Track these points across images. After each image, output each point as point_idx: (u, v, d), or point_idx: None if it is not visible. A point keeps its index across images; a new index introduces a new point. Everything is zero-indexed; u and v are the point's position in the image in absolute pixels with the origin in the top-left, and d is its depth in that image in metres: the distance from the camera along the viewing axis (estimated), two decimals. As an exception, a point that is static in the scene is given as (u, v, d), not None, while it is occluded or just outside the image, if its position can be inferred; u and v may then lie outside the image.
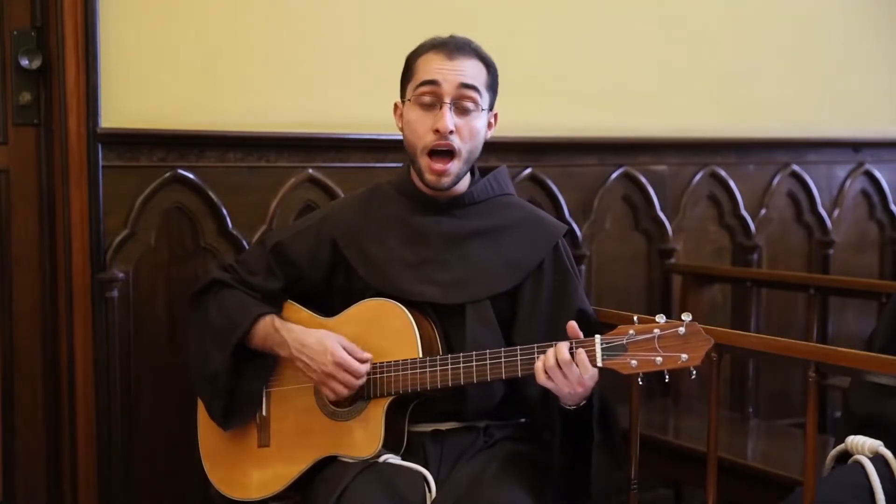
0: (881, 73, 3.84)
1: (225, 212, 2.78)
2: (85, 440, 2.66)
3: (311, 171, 2.88)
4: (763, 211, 3.61)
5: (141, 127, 2.69)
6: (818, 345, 2.38)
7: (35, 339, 2.69)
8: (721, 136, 3.52)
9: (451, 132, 2.18)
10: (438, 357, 2.13)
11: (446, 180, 2.22)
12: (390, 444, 2.17)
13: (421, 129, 2.21)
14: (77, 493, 2.67)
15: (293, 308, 2.34)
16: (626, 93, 3.35)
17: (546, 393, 2.09)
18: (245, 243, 2.78)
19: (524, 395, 2.21)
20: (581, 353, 1.99)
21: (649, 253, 3.42)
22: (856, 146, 3.78)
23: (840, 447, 2.16)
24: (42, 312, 2.69)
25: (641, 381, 2.05)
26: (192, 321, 2.41)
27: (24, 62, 2.62)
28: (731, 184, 3.53)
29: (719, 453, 2.30)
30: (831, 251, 3.73)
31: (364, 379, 2.18)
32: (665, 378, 2.00)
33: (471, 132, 2.22)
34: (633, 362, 1.97)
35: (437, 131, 2.19)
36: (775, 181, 3.63)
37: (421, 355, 2.15)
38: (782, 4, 3.63)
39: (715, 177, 3.51)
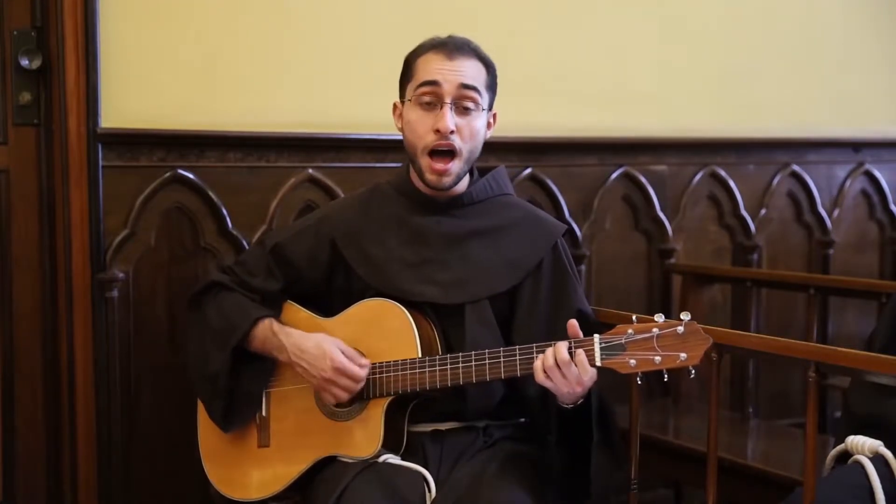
0: (881, 73, 3.84)
1: (225, 212, 2.78)
2: (85, 440, 2.66)
3: (311, 171, 2.88)
4: (763, 211, 3.61)
5: (141, 127, 2.69)
6: (818, 345, 2.38)
7: (35, 339, 2.69)
8: (721, 136, 3.52)
9: (452, 132, 2.19)
10: (438, 357, 2.13)
11: (447, 180, 2.22)
12: (390, 444, 2.17)
13: (421, 129, 2.21)
14: (77, 493, 2.67)
15: (292, 308, 2.34)
16: (626, 93, 3.35)
17: (545, 392, 2.09)
18: (245, 243, 2.78)
19: (523, 394, 2.21)
20: (580, 354, 1.99)
21: (649, 253, 3.42)
22: (856, 146, 3.78)
23: (840, 447, 2.16)
24: (42, 312, 2.69)
25: (640, 380, 2.05)
26: (192, 322, 2.41)
27: (24, 62, 2.62)
28: (731, 184, 3.53)
29: (719, 453, 2.30)
30: (831, 251, 3.73)
31: (363, 383, 2.18)
32: (664, 377, 2.00)
33: (471, 132, 2.22)
34: (632, 362, 1.97)
35: (437, 131, 2.19)
36: (775, 181, 3.63)
37: (420, 355, 2.15)
38: (782, 4, 3.63)
39: (715, 177, 3.51)
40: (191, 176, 2.75)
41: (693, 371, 1.98)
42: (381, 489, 2.06)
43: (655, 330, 1.96)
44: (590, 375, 2.01)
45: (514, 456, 2.18)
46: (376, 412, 2.18)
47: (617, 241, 3.36)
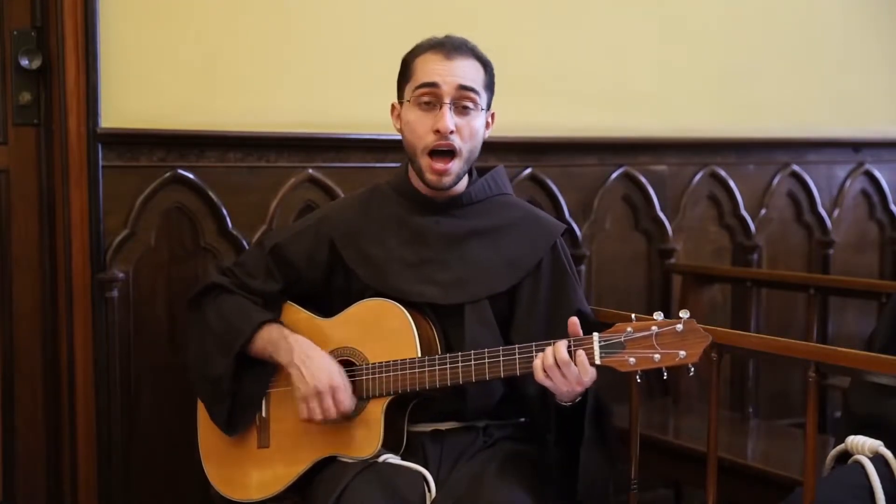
0: (881, 73, 3.84)
1: (225, 212, 2.78)
2: (85, 440, 2.66)
3: (311, 171, 2.88)
4: (763, 211, 3.61)
5: (141, 127, 2.69)
6: (818, 345, 2.38)
7: (35, 339, 2.69)
8: (721, 136, 3.52)
9: (452, 132, 2.19)
10: (437, 356, 2.13)
11: (447, 180, 2.22)
12: (390, 444, 2.17)
13: (421, 129, 2.21)
14: (77, 493, 2.67)
15: (292, 309, 2.34)
16: (626, 93, 3.35)
17: (544, 391, 2.09)
18: (245, 243, 2.78)
19: (523, 393, 2.21)
20: (581, 355, 1.99)
21: (649, 253, 3.42)
22: (856, 146, 3.78)
23: (840, 447, 2.16)
24: (42, 312, 2.69)
25: (640, 378, 2.05)
26: (192, 324, 2.40)
27: (24, 62, 2.62)
28: (731, 184, 3.53)
29: (719, 453, 2.30)
30: (831, 251, 3.73)
31: (340, 414, 2.17)
32: (663, 375, 2.00)
33: (471, 132, 2.22)
34: (632, 360, 1.97)
35: (437, 131, 2.19)
36: (775, 181, 3.63)
37: (420, 355, 2.15)
38: (782, 4, 3.63)
39: (715, 177, 3.51)
40: (191, 176, 2.75)
41: (692, 369, 1.98)
42: (380, 489, 2.06)
43: (654, 328, 1.97)
44: (590, 375, 2.01)
45: (513, 456, 2.18)
46: (376, 412, 2.18)
47: (617, 241, 3.36)
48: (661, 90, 3.42)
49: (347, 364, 2.23)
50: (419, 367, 2.13)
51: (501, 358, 2.08)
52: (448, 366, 2.11)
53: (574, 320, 2.05)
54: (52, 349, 2.69)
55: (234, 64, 2.80)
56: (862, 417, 2.21)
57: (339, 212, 2.39)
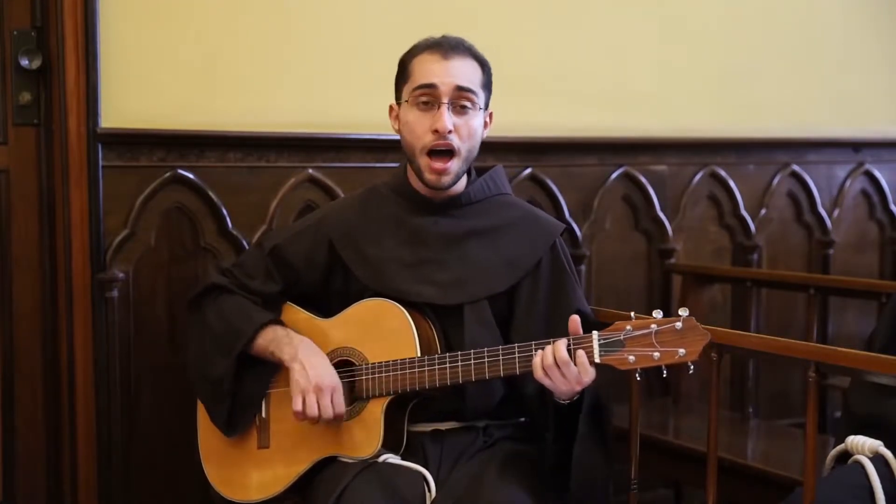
0: (881, 73, 3.84)
1: (225, 212, 2.78)
2: (85, 440, 2.66)
3: (311, 171, 2.88)
4: (763, 211, 3.61)
5: (141, 127, 2.69)
6: (818, 345, 2.38)
7: (35, 339, 2.69)
8: (721, 136, 3.52)
9: (450, 132, 2.19)
10: (437, 356, 2.13)
11: (446, 179, 2.22)
12: (390, 444, 2.17)
13: (420, 129, 2.21)
14: (77, 493, 2.67)
15: (291, 309, 2.34)
16: (626, 93, 3.35)
17: (543, 390, 2.09)
18: (245, 243, 2.78)
19: (522, 393, 2.21)
20: (581, 356, 1.99)
21: (649, 253, 3.42)
22: (856, 146, 3.78)
23: (840, 447, 2.16)
24: (42, 312, 2.69)
25: (639, 376, 2.05)
26: (192, 324, 2.40)
27: (24, 62, 2.62)
28: (731, 184, 3.53)
29: (719, 453, 2.30)
30: (831, 251, 3.73)
31: (333, 418, 2.17)
32: (663, 374, 2.00)
33: (469, 131, 2.22)
34: (631, 358, 1.97)
35: (436, 131, 2.19)
36: (775, 181, 3.63)
37: (419, 355, 2.15)
38: (782, 4, 3.63)
39: (715, 177, 3.51)
40: (191, 176, 2.75)
41: (692, 367, 1.98)
42: (380, 489, 2.06)
43: (654, 326, 1.97)
44: (590, 376, 2.01)
45: (513, 456, 2.18)
46: (376, 412, 2.18)
47: (617, 241, 3.36)
48: (661, 90, 3.42)
49: (347, 364, 2.23)
50: (419, 367, 2.13)
51: (501, 357, 2.08)
52: (448, 365, 2.11)
53: (575, 318, 2.05)
54: (52, 349, 2.69)
55: (234, 64, 2.80)
56: (862, 417, 2.21)
57: (338, 212, 2.39)
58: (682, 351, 1.95)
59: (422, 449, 2.20)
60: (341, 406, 2.18)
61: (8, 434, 2.69)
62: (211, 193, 2.77)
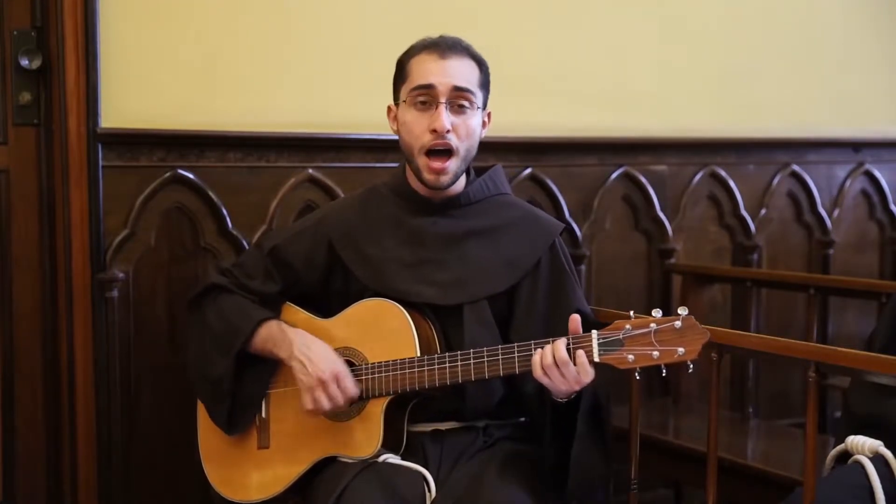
0: (881, 73, 3.85)
1: (225, 212, 2.78)
2: (85, 440, 2.66)
3: (311, 171, 2.88)
4: (763, 211, 3.61)
5: (141, 127, 2.69)
6: (818, 345, 2.38)
7: (35, 339, 2.69)
8: (721, 136, 3.52)
9: (448, 131, 2.19)
10: (436, 356, 2.13)
11: (445, 179, 2.22)
12: (390, 444, 2.17)
13: (418, 129, 2.21)
14: (77, 493, 2.67)
15: (291, 310, 2.34)
16: (626, 93, 3.35)
17: (542, 389, 2.09)
18: (245, 243, 2.78)
19: (522, 392, 2.21)
20: (581, 355, 1.99)
21: (649, 253, 3.42)
22: (856, 146, 3.78)
23: (840, 447, 2.16)
24: (42, 312, 2.69)
25: (639, 375, 2.05)
26: (192, 325, 2.40)
27: (24, 62, 2.62)
28: (731, 184, 3.53)
29: (719, 453, 2.30)
30: (831, 251, 3.73)
31: (348, 402, 2.17)
32: (662, 372, 2.00)
33: (467, 130, 2.22)
34: (630, 357, 1.97)
35: (434, 131, 2.19)
36: (775, 181, 3.63)
37: (419, 355, 2.15)
38: (782, 4, 3.63)
39: (715, 177, 3.51)
40: (191, 176, 2.75)
41: (691, 366, 1.98)
42: (380, 489, 2.06)
43: (653, 325, 1.97)
44: (589, 376, 2.01)
45: (513, 456, 2.18)
46: (375, 412, 2.18)
47: (617, 241, 3.36)
48: (661, 90, 3.42)
49: (347, 364, 2.23)
50: (418, 367, 2.13)
51: (500, 357, 2.07)
52: (447, 365, 2.11)
53: (575, 317, 2.04)
54: (52, 349, 2.69)
55: (234, 64, 2.80)
56: (862, 417, 2.21)
57: (337, 213, 2.39)
58: (681, 350, 1.95)
59: (422, 449, 2.20)
60: (350, 389, 2.17)
61: (8, 434, 2.69)
62: (211, 193, 2.77)
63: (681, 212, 3.45)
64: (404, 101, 2.23)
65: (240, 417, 2.30)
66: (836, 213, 3.76)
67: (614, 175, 3.33)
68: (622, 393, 2.39)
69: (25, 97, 2.65)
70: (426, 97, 2.20)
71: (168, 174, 2.72)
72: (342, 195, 2.84)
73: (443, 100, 2.19)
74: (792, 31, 3.65)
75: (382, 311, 2.21)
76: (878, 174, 3.84)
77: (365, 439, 2.17)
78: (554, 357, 1.99)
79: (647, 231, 3.41)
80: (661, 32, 3.40)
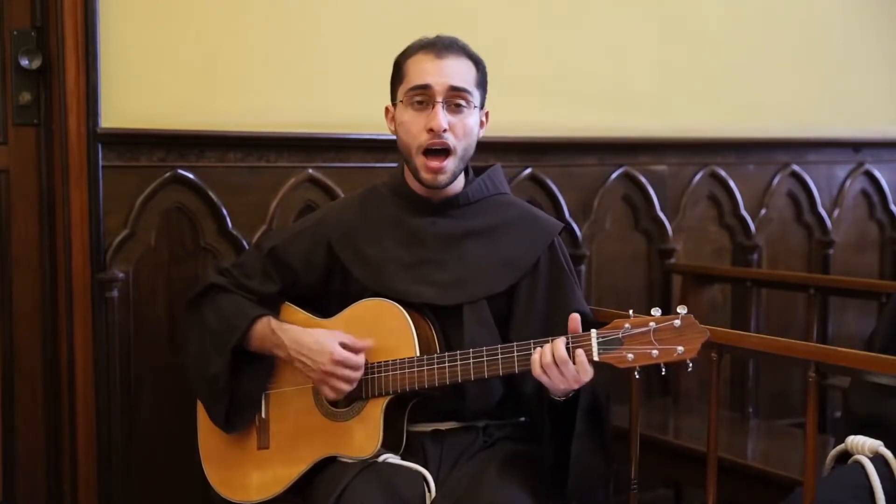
0: (881, 73, 3.85)
1: (225, 212, 2.78)
2: (85, 440, 2.66)
3: (311, 171, 2.88)
4: (763, 211, 3.61)
5: (141, 127, 2.69)
6: (818, 345, 2.38)
7: (35, 339, 2.69)
8: (721, 136, 3.52)
9: (445, 130, 2.19)
10: (436, 355, 2.13)
11: (443, 178, 2.22)
12: (389, 444, 2.17)
13: (415, 129, 2.21)
14: (77, 493, 2.67)
15: (290, 310, 2.34)
16: (626, 93, 3.35)
17: (541, 388, 2.09)
18: (245, 243, 2.78)
19: (521, 392, 2.21)
20: (581, 355, 1.98)
21: (649, 253, 3.42)
22: (856, 146, 3.78)
23: (840, 447, 2.16)
24: (42, 312, 2.69)
25: (638, 374, 2.05)
26: (190, 324, 2.40)
27: (24, 62, 2.62)
28: (731, 184, 3.53)
29: (719, 453, 2.30)
30: (831, 251, 3.73)
31: (362, 370, 2.17)
32: (662, 371, 2.00)
33: (464, 130, 2.22)
34: (630, 356, 1.97)
35: (431, 130, 2.19)
36: (775, 181, 3.63)
37: (418, 355, 2.15)
38: (782, 4, 3.64)
39: (715, 177, 3.52)
40: (191, 176, 2.75)
41: (690, 365, 1.98)
42: (380, 489, 2.06)
43: (652, 324, 1.97)
44: (589, 375, 2.01)
45: (513, 456, 2.18)
46: (375, 412, 2.18)
47: (617, 241, 3.36)
48: (661, 90, 3.42)
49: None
50: (418, 367, 2.13)
51: (500, 356, 2.07)
52: (447, 365, 2.11)
53: (575, 316, 2.04)
54: (52, 349, 2.69)
55: (234, 64, 2.80)
56: (862, 417, 2.21)
57: (336, 213, 2.39)
58: (680, 348, 1.95)
59: (421, 449, 2.20)
60: (352, 359, 2.16)
61: (8, 434, 2.69)
62: (211, 193, 2.77)
63: (681, 212, 3.45)
64: (401, 102, 2.24)
65: (238, 416, 2.30)
66: (836, 213, 3.76)
67: (614, 175, 3.33)
68: (622, 393, 2.39)
69: (25, 97, 2.65)
70: (423, 97, 2.20)
71: (168, 174, 2.72)
72: (342, 195, 2.84)
73: (439, 99, 2.19)
74: (792, 31, 3.65)
75: (382, 311, 2.21)
76: (878, 174, 3.84)
77: (365, 439, 2.17)
78: (553, 356, 1.99)
79: (647, 231, 3.41)
80: (661, 32, 3.40)
